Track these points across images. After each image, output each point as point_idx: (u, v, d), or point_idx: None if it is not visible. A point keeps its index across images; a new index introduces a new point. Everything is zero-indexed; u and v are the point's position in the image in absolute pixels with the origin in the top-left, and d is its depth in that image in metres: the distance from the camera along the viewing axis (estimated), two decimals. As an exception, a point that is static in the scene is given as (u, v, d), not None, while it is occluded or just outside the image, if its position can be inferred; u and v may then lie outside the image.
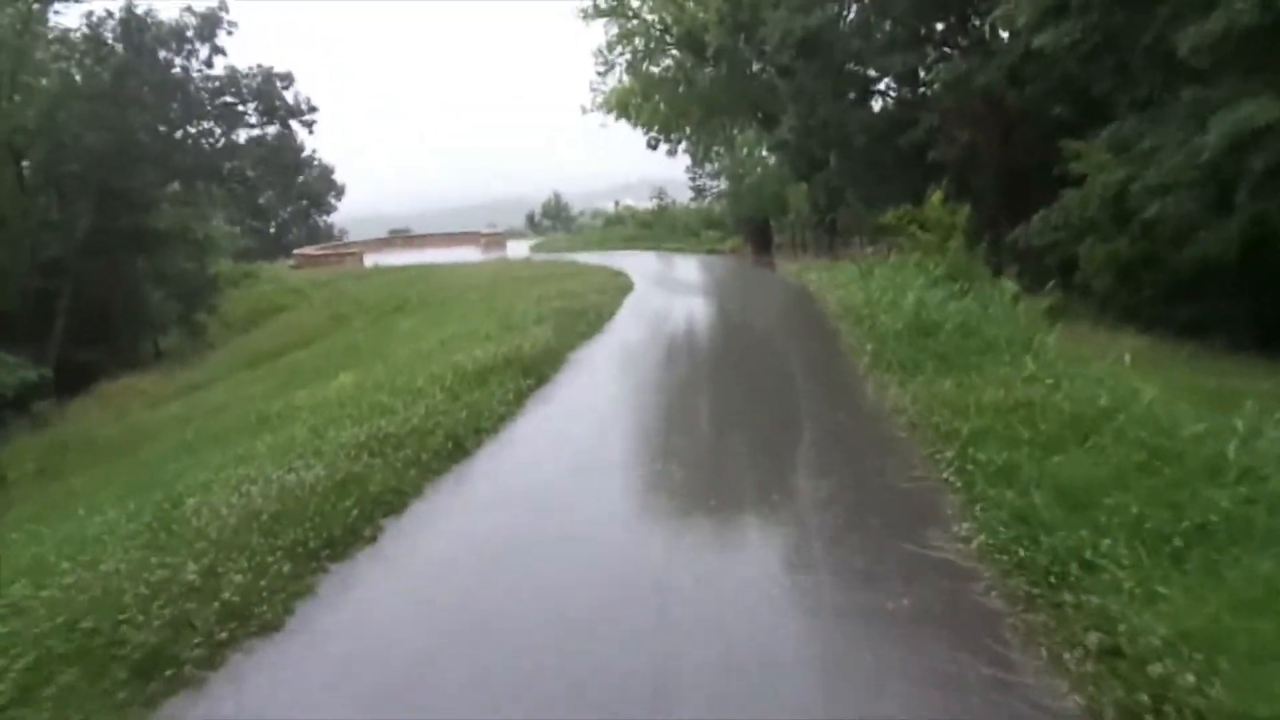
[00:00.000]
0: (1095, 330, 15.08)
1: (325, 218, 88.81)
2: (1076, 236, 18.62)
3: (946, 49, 27.98)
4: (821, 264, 23.74)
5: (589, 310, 17.77)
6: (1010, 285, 13.39)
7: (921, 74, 28.78)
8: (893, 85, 29.55)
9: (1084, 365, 8.55)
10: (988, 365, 8.77)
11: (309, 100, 37.59)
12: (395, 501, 6.75)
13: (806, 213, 34.47)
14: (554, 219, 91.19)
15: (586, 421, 9.29)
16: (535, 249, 52.67)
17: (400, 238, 74.88)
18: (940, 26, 28.49)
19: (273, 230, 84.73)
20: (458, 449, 8.11)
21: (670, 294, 21.88)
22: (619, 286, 22.82)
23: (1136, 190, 15.76)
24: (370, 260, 51.78)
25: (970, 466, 6.07)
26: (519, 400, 10.14)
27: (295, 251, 58.51)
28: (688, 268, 31.02)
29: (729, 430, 8.81)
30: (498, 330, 16.13)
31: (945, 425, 7.03)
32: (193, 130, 35.46)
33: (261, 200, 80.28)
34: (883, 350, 10.39)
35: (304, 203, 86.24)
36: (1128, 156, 17.62)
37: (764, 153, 45.87)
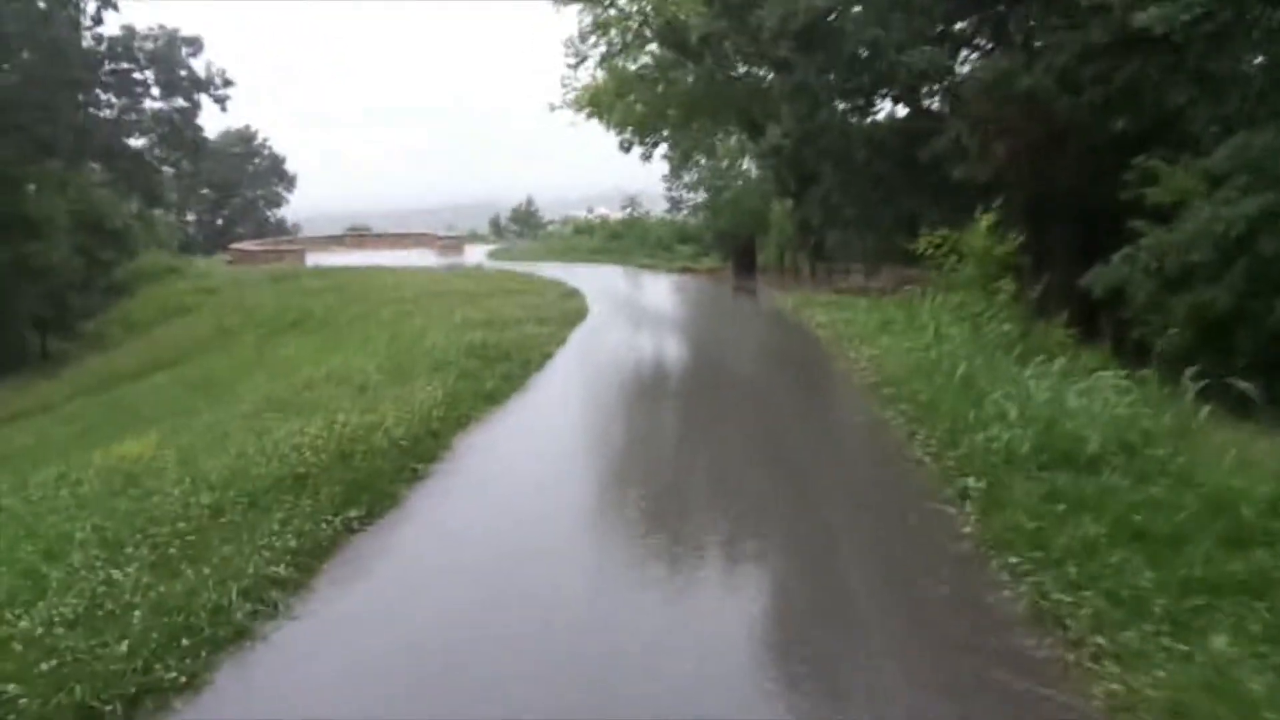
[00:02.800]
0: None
1: (275, 211, 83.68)
2: (1167, 285, 14.24)
3: (977, 45, 23.74)
4: (824, 298, 19.03)
5: (516, 349, 13.02)
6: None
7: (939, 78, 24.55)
8: (909, 88, 25.06)
9: None
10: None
11: (223, 72, 32.25)
12: None
13: (791, 233, 30.04)
14: (522, 224, 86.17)
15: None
16: (493, 256, 47.85)
17: (352, 236, 69.62)
18: (961, 25, 24.34)
19: (219, 223, 79.68)
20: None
21: (632, 331, 17.02)
22: (568, 314, 18.04)
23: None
24: (313, 259, 46.92)
25: None
26: (304, 576, 5.18)
27: (231, 246, 53.72)
28: (658, 291, 26.25)
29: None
30: (380, 375, 11.41)
31: None
32: (76, 99, 29.86)
33: (205, 190, 75.34)
34: (1004, 496, 5.65)
35: (257, 193, 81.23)
36: (1245, 183, 13.31)
37: (746, 164, 41.99)
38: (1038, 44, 20.80)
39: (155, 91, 31.36)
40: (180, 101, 31.92)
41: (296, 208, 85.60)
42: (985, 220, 14.90)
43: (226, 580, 4.78)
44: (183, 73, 31.44)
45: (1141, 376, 8.26)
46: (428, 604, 5.09)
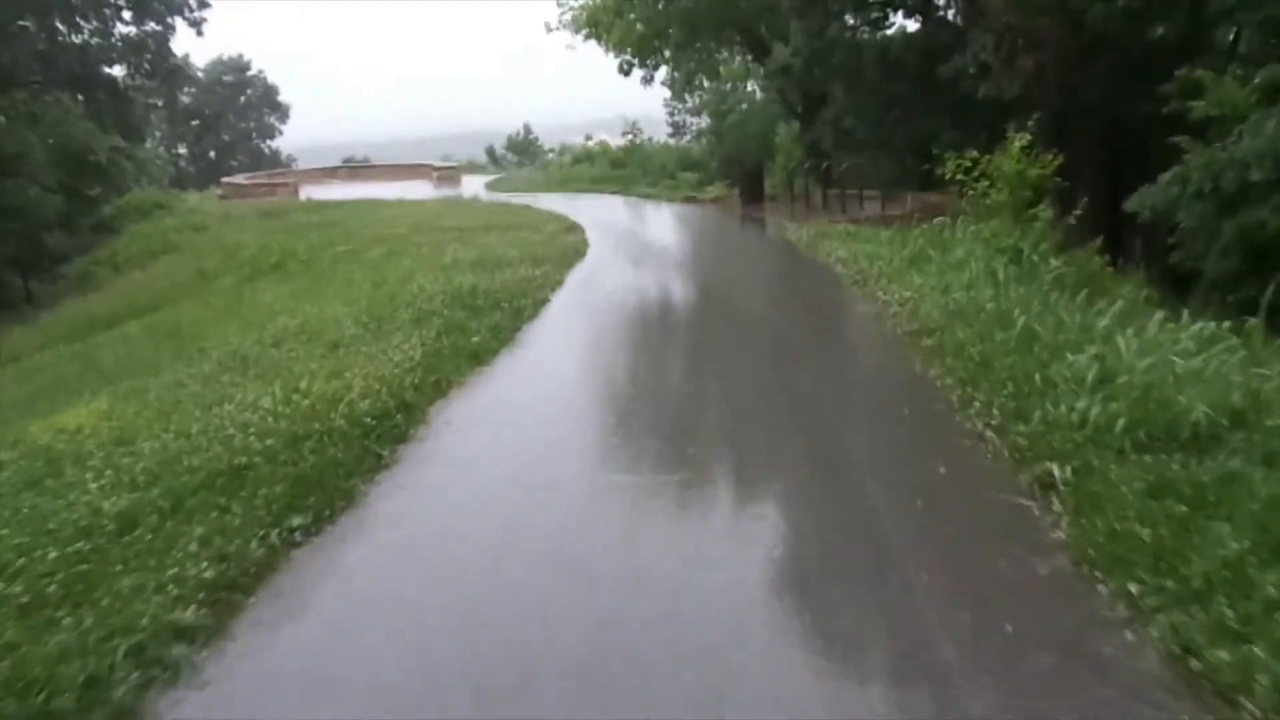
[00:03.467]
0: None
1: (270, 143, 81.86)
2: (1221, 207, 13.06)
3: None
4: (840, 228, 17.69)
5: (508, 295, 11.90)
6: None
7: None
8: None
9: None
10: None
11: (200, -8, 30.27)
12: None
13: (800, 158, 28.62)
14: (520, 153, 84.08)
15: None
16: (490, 187, 46.29)
17: (347, 168, 67.91)
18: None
19: (212, 155, 78.08)
20: None
21: (634, 271, 15.75)
22: (566, 251, 16.85)
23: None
24: (306, 192, 45.61)
25: None
26: (221, 619, 4.05)
27: (223, 180, 52.31)
28: (661, 223, 24.92)
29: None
30: (356, 329, 10.35)
31: None
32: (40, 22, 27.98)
33: (195, 122, 73.41)
34: (1100, 490, 4.52)
35: (250, 125, 79.34)
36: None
37: (751, 86, 40.52)
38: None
39: (126, 15, 29.53)
40: (153, 25, 30.10)
41: (291, 139, 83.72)
42: (1018, 140, 13.64)
43: (114, 634, 3.70)
44: (153, -7, 29.63)
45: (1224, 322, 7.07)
46: (374, 651, 3.92)
